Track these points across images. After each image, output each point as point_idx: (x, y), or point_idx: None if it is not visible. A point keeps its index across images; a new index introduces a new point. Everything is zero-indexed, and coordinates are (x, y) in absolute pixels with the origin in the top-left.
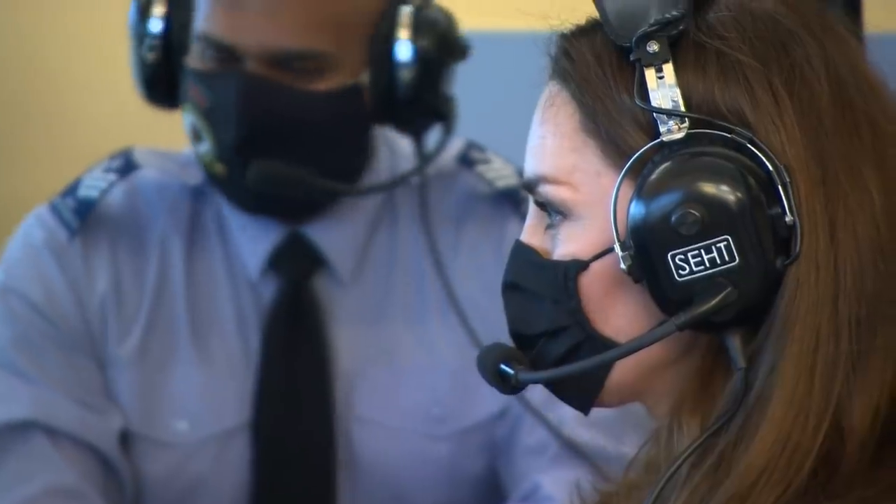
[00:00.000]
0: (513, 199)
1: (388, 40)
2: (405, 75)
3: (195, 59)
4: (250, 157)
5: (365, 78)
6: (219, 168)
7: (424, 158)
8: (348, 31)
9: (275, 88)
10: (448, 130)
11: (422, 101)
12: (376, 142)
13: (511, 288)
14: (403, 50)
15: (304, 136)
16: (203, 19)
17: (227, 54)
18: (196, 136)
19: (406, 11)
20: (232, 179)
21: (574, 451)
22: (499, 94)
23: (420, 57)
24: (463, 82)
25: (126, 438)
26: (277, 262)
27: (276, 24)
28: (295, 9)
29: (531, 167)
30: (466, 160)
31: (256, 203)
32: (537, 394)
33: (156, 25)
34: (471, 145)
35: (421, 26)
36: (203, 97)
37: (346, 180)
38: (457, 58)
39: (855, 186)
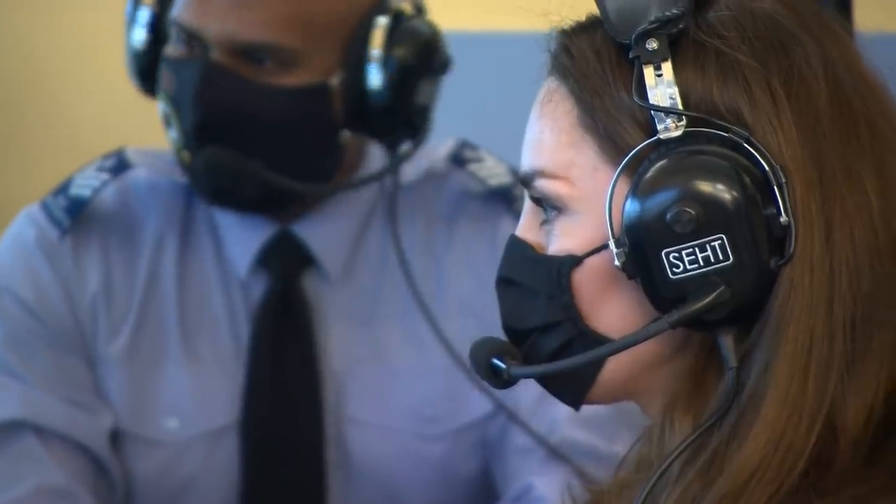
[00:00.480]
0: (505, 198)
1: (363, 45)
2: (376, 82)
3: (171, 46)
4: (207, 144)
5: (335, 80)
6: (185, 156)
7: (396, 160)
8: (318, 30)
9: (234, 78)
10: (417, 143)
11: (392, 110)
12: (365, 143)
13: (505, 283)
14: (377, 57)
15: (261, 128)
16: (178, 6)
17: (195, 41)
18: (167, 123)
19: (386, 19)
20: (193, 167)
21: (559, 456)
22: (495, 93)
23: (394, 66)
24: (459, 81)
25: (116, 437)
26: (266, 260)
27: (240, 15)
28: (261, 2)
29: (528, 161)
30: (459, 159)
31: (213, 193)
32: (530, 392)
33: (144, 14)
34: (463, 144)
35: (400, 36)
36: (171, 83)
37: (309, 179)
38: (434, 71)
39: (853, 189)
